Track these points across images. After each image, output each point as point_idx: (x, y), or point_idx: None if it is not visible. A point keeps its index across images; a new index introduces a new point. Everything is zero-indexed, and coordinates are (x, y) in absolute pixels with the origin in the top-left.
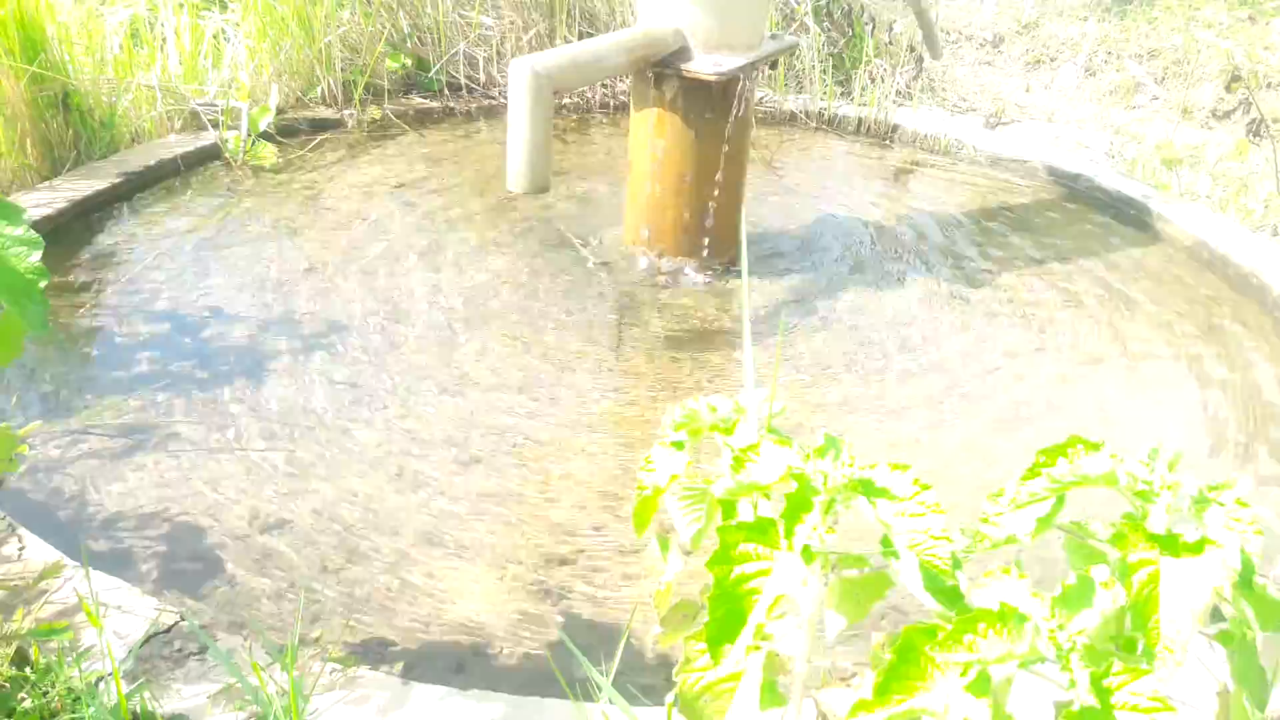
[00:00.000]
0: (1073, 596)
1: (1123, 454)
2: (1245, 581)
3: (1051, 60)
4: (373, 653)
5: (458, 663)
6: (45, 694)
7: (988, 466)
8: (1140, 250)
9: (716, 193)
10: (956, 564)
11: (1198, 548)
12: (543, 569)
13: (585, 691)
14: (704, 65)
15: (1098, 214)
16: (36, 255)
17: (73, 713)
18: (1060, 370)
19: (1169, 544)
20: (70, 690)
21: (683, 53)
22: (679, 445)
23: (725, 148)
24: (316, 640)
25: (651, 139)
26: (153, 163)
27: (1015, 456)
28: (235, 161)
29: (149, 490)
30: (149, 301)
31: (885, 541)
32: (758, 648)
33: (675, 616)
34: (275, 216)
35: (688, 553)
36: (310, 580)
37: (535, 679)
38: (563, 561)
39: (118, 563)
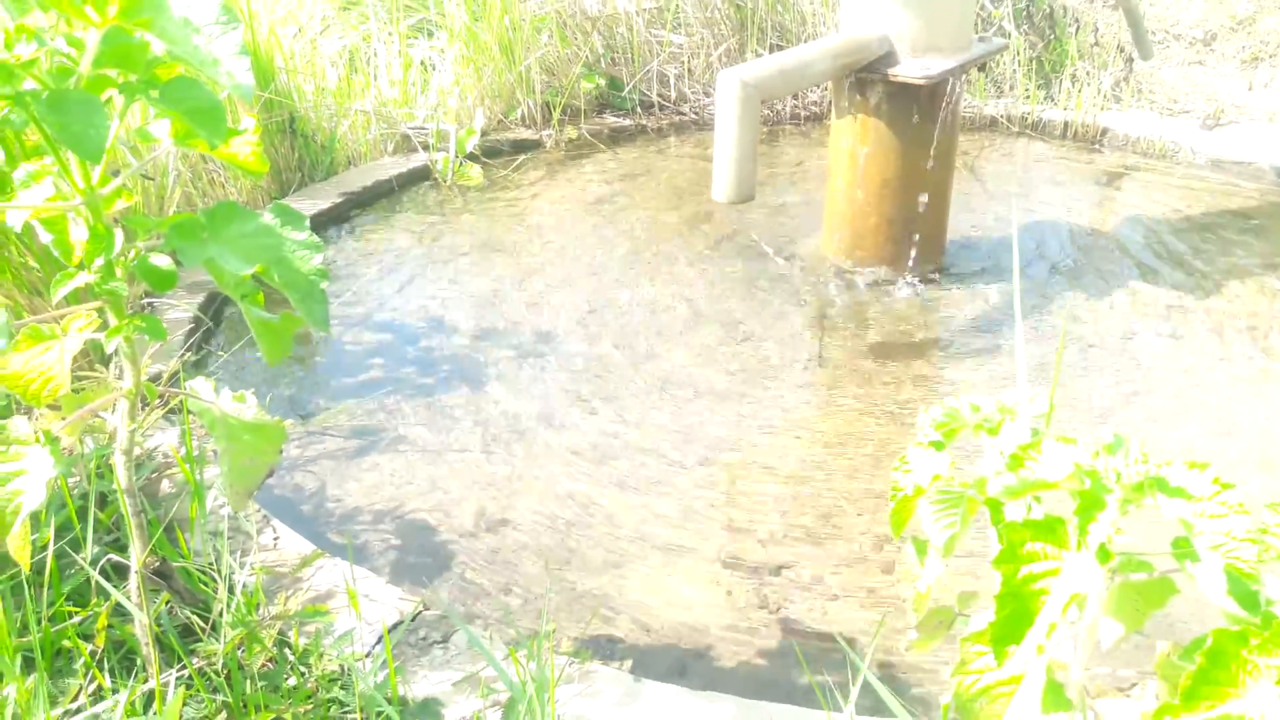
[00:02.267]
0: None
1: None
2: None
3: (1271, 57)
4: (600, 649)
5: (680, 664)
6: (303, 674)
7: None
8: None
9: (923, 199)
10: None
11: None
12: (758, 575)
13: (810, 700)
14: (912, 69)
15: None
16: (318, 258)
17: (328, 692)
18: None
19: None
20: (326, 672)
21: (888, 57)
22: (938, 445)
23: (932, 153)
24: (551, 633)
25: (854, 145)
26: (370, 183)
27: (1259, 477)
28: (444, 181)
29: (382, 489)
30: (373, 312)
31: (1180, 543)
32: (1043, 649)
33: (931, 622)
34: (483, 232)
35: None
36: (535, 577)
37: (755, 685)
38: (778, 569)
39: (357, 556)
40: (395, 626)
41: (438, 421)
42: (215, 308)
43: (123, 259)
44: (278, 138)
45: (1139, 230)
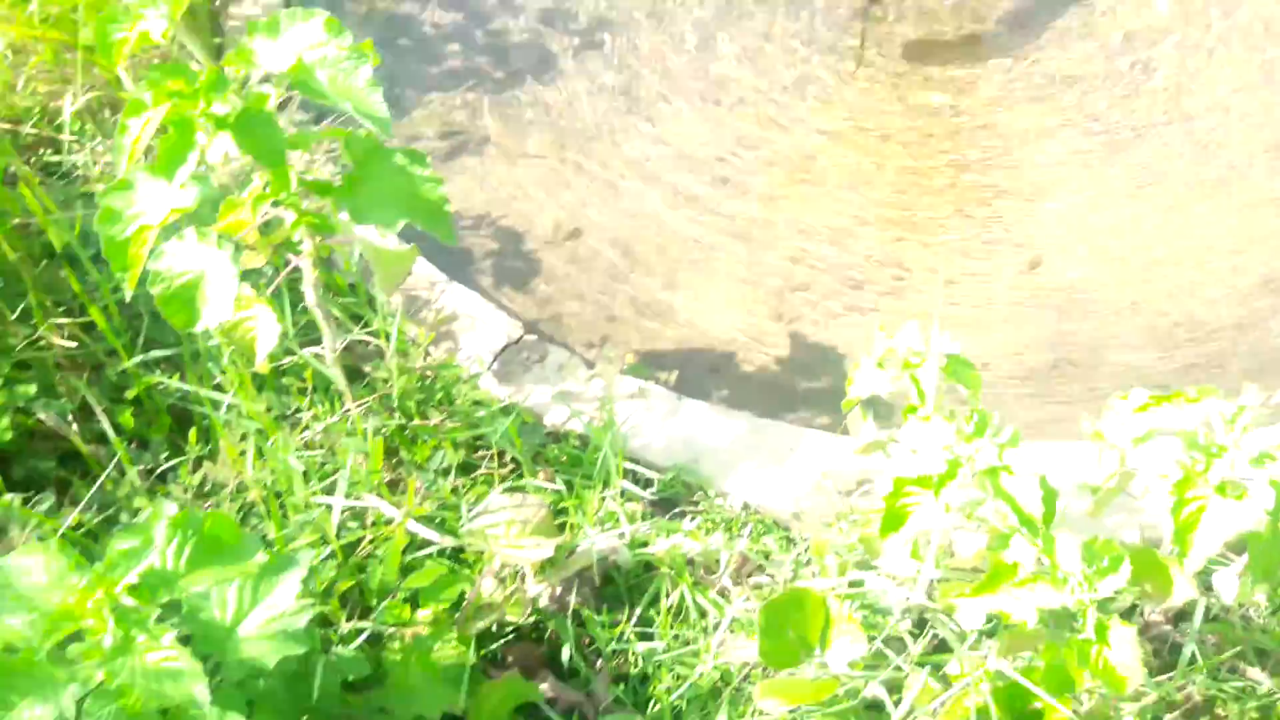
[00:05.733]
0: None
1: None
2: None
3: None
4: (653, 359)
5: (713, 366)
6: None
7: None
8: None
9: None
10: None
11: (1240, 495)
12: (779, 295)
13: (814, 402)
14: None
15: None
16: (442, 188)
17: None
18: None
19: (1220, 489)
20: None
21: None
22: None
23: None
24: (618, 357)
25: None
26: None
27: None
28: None
29: (474, 194)
30: None
31: None
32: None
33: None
34: None
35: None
36: (604, 286)
37: (768, 389)
38: (797, 287)
39: (464, 259)
40: (504, 349)
41: (513, 125)
42: None
43: None
44: None
45: None
